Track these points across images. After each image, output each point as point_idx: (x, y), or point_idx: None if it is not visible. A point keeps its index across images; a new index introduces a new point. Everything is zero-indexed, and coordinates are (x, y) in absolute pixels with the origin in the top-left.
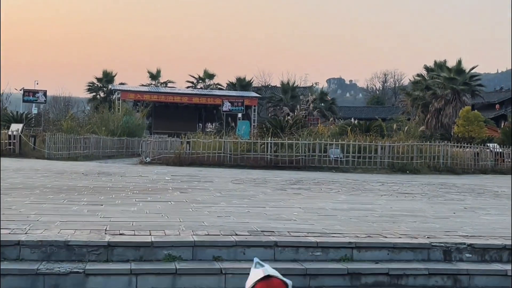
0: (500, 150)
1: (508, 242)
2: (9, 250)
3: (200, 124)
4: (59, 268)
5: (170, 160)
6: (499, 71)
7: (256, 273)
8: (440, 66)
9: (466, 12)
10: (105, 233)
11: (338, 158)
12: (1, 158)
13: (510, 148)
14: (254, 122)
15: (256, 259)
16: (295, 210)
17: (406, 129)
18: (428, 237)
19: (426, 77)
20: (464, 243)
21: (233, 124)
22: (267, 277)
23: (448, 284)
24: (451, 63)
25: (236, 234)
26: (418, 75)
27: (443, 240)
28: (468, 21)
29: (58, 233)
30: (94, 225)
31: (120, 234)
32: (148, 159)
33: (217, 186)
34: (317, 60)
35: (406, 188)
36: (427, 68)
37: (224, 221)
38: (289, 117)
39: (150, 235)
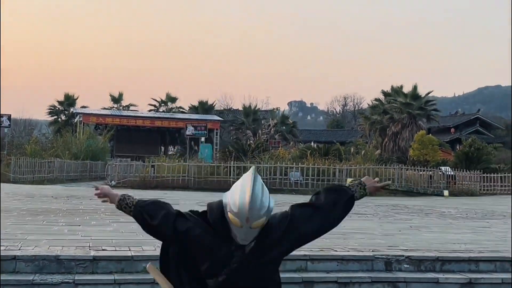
0: (452, 173)
1: (440, 254)
2: (7, 264)
3: (162, 147)
4: (51, 278)
5: (135, 184)
6: (456, 95)
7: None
8: (397, 91)
9: (426, 37)
10: (89, 249)
11: (298, 181)
12: None
13: (463, 171)
14: (216, 145)
15: None
16: None
17: (363, 152)
18: (372, 251)
19: (383, 102)
20: (403, 256)
21: (196, 148)
22: None
23: None
24: (407, 88)
25: None
26: (376, 99)
27: (385, 253)
28: (427, 46)
29: (48, 249)
30: (77, 243)
31: (103, 250)
32: (113, 183)
33: (184, 208)
34: (279, 83)
35: (360, 209)
36: (384, 93)
37: None
38: (251, 142)
39: (129, 250)
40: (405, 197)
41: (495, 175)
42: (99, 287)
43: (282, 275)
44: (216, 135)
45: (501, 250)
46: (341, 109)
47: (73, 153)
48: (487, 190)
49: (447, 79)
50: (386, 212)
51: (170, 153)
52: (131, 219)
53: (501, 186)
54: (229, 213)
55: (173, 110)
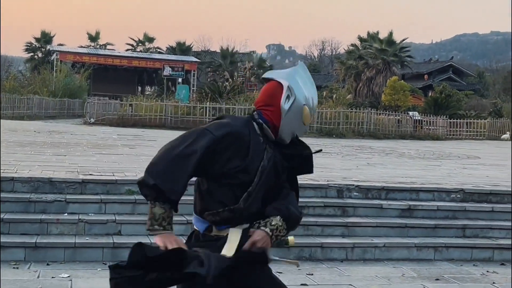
0: (419, 118)
1: (386, 184)
2: (5, 184)
3: (139, 87)
4: (46, 197)
5: (114, 121)
6: (434, 42)
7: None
8: (373, 37)
9: None
10: (78, 173)
11: None
12: None
13: (431, 116)
14: (193, 87)
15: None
16: None
17: (334, 96)
18: (327, 181)
19: (359, 47)
20: (353, 185)
21: (173, 88)
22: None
23: (338, 213)
24: (384, 34)
25: None
26: (352, 45)
27: (338, 183)
28: None
29: (41, 172)
30: (66, 168)
31: (90, 174)
32: (92, 120)
33: (161, 143)
34: (258, 26)
35: (326, 149)
36: (360, 39)
37: None
38: (227, 83)
39: (113, 175)
40: (372, 139)
41: (461, 120)
42: (88, 205)
43: None
44: (193, 76)
45: (441, 183)
46: (318, 53)
47: (51, 90)
48: (453, 135)
49: (425, 25)
50: (349, 152)
51: (147, 93)
52: (112, 152)
53: (467, 131)
54: (306, 106)
55: (150, 50)
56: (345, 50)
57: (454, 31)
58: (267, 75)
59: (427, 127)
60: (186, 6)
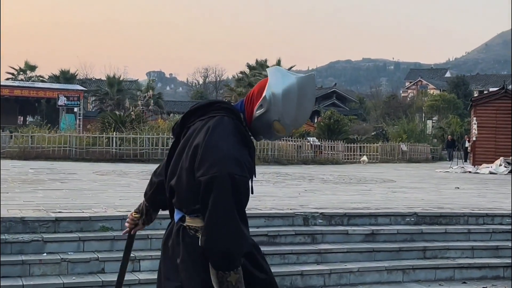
0: (318, 143)
1: (346, 211)
2: None
3: (21, 117)
4: (22, 237)
5: (15, 154)
6: (310, 68)
7: None
8: (262, 65)
9: (288, 14)
10: (46, 211)
11: None
12: None
13: (327, 141)
14: (79, 116)
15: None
16: None
17: None
18: (290, 209)
19: (248, 75)
20: (317, 212)
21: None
22: None
23: (308, 241)
24: (271, 62)
25: None
26: (241, 72)
27: (301, 211)
28: (287, 24)
29: (8, 211)
30: (29, 206)
31: (59, 212)
32: None
33: (86, 177)
34: (136, 53)
35: None
36: (249, 66)
37: (129, 202)
38: (132, 112)
39: (82, 212)
40: (278, 165)
41: (356, 145)
42: (65, 244)
43: None
44: (79, 105)
45: (390, 207)
46: (202, 80)
47: None
48: (348, 158)
49: (302, 53)
50: (274, 179)
51: (27, 123)
52: (48, 187)
53: (360, 155)
54: (277, 122)
55: (32, 78)
56: (234, 77)
57: (329, 58)
58: (269, 69)
59: (325, 152)
60: (67, 34)
